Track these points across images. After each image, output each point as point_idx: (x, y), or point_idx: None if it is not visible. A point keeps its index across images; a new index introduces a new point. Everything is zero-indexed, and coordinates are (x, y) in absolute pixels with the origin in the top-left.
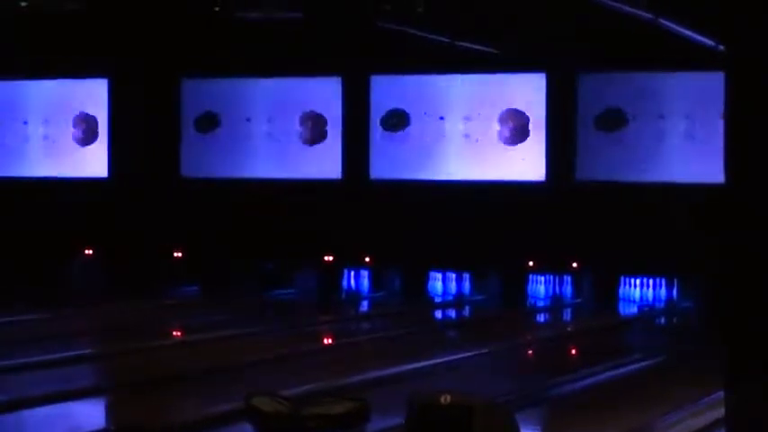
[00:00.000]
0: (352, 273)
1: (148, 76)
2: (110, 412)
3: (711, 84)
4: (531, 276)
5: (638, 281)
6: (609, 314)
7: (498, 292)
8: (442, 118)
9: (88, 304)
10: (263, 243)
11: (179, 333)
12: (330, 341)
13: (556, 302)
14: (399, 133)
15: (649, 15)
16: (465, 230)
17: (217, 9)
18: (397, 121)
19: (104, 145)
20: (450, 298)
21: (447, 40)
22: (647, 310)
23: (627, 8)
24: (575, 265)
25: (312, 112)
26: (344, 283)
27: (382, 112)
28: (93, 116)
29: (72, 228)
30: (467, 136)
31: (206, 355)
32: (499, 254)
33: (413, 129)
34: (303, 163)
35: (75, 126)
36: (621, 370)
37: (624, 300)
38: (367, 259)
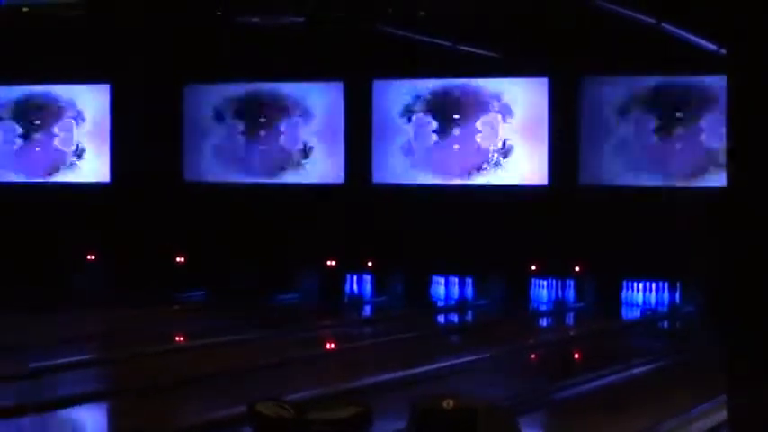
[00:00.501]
0: (355, 277)
1: (151, 81)
2: (113, 417)
3: (713, 87)
4: (533, 280)
5: (640, 285)
6: (612, 318)
7: (501, 297)
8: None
9: (91, 309)
10: (266, 247)
11: (183, 338)
12: (333, 346)
13: (558, 306)
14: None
15: (652, 20)
16: (467, 235)
17: (219, 14)
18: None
19: (107, 150)
20: (453, 302)
21: (449, 44)
22: (650, 314)
23: (629, 12)
24: (577, 269)
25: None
26: (347, 287)
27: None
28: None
29: (75, 233)
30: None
31: (210, 360)
32: (502, 258)
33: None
34: (306, 167)
35: (77, 130)
36: (624, 374)
37: (627, 304)
38: (369, 264)
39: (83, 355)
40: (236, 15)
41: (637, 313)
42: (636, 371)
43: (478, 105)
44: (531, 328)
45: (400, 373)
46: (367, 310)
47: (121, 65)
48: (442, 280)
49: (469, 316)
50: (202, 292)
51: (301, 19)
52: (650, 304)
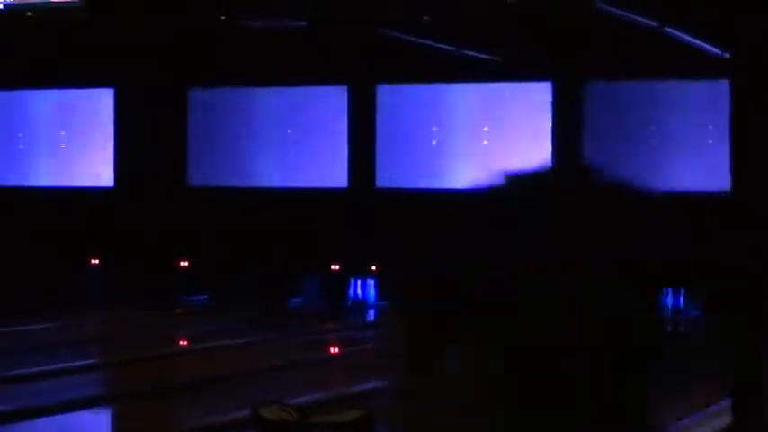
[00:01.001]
0: (359, 281)
1: (154, 86)
2: (114, 421)
3: (715, 91)
4: None
5: None
6: None
7: None
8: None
9: (94, 313)
10: (270, 251)
11: (185, 341)
12: (336, 350)
13: None
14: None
15: (654, 23)
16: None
17: (222, 18)
18: None
19: (110, 154)
20: None
21: (453, 48)
22: None
23: (632, 16)
24: None
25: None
26: (351, 291)
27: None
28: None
29: (79, 237)
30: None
31: (212, 364)
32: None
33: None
34: (309, 171)
35: (80, 135)
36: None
37: None
38: (373, 268)
39: (84, 358)
40: (239, 19)
41: None
42: None
43: (484, 109)
44: None
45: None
46: (371, 314)
47: (125, 69)
48: None
49: None
50: (205, 296)
51: (304, 23)
52: None
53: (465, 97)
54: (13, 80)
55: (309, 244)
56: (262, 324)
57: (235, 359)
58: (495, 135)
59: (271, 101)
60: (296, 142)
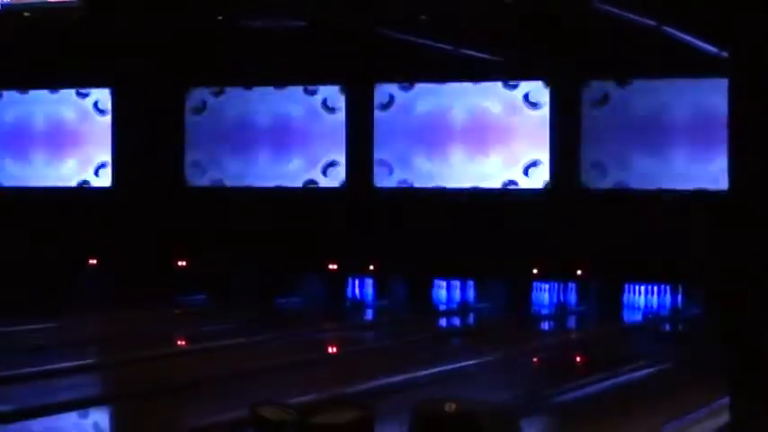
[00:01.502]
0: (357, 281)
1: (153, 86)
2: (113, 421)
3: (715, 90)
4: (535, 284)
5: (642, 288)
6: (613, 321)
7: (502, 300)
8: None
9: (93, 313)
10: (267, 251)
11: (184, 341)
12: (335, 349)
13: (560, 310)
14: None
15: (653, 23)
16: (469, 238)
17: (220, 18)
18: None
19: (109, 154)
20: (455, 306)
21: (450, 47)
22: (652, 318)
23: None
24: (579, 272)
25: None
26: (349, 291)
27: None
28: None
29: (77, 237)
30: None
31: (211, 364)
32: (503, 261)
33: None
34: (309, 171)
35: (78, 135)
36: (626, 377)
37: (629, 307)
38: (371, 267)
39: (84, 358)
40: (238, 20)
41: (639, 317)
42: (638, 374)
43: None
44: (532, 331)
45: (402, 377)
46: (369, 313)
47: (124, 69)
48: (444, 284)
49: (471, 319)
50: (204, 296)
51: (302, 23)
52: (652, 307)
53: (464, 97)
54: (13, 80)
55: (309, 244)
56: (260, 324)
57: (233, 359)
58: (495, 135)
59: (270, 100)
60: (295, 142)
